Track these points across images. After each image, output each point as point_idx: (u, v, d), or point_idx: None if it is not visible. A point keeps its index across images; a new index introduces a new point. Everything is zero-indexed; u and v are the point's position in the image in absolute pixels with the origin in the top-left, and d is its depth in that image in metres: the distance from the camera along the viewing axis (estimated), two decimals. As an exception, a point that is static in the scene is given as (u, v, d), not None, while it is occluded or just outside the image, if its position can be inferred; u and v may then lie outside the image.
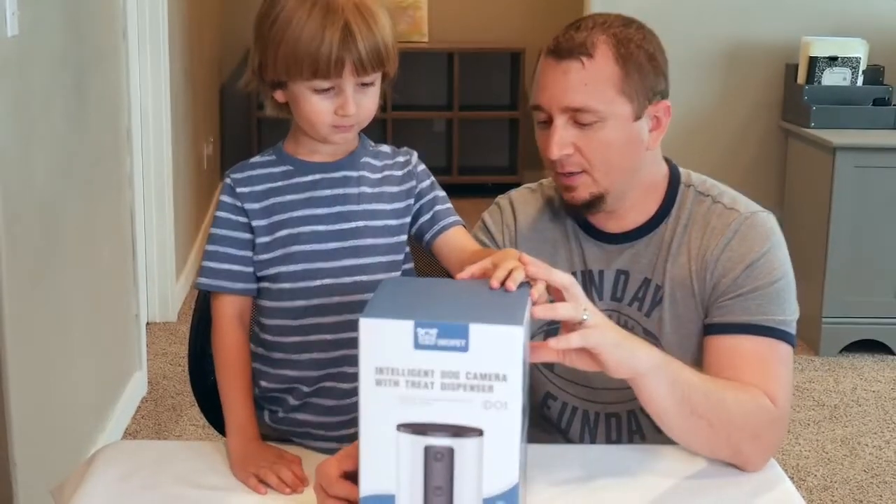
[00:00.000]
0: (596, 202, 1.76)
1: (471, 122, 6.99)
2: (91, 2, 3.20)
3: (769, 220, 1.77)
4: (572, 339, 1.43)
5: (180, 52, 4.82)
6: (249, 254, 1.64)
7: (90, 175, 3.14)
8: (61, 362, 2.81)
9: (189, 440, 3.37)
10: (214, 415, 2.04)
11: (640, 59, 1.72)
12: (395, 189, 1.67)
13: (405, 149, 1.73)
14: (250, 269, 1.64)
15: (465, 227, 1.71)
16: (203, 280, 1.65)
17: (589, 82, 1.70)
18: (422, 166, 1.71)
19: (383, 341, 1.26)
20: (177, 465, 1.60)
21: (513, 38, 6.95)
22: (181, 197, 4.79)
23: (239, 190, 1.63)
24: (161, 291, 4.49)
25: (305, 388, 1.65)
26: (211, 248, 1.64)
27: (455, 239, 1.68)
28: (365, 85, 1.57)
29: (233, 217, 1.63)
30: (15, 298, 2.39)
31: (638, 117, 1.74)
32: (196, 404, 2.05)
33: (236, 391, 1.63)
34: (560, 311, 1.44)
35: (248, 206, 1.63)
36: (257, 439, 1.62)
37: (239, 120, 6.66)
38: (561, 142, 1.71)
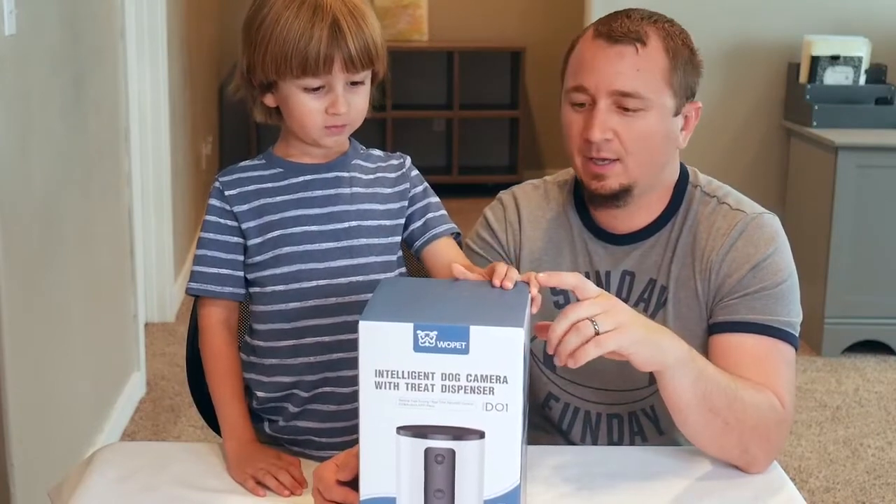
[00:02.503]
0: (623, 193, 1.74)
1: (471, 122, 6.99)
2: (89, 1, 3.19)
3: (774, 222, 1.77)
4: (589, 352, 1.41)
5: (179, 51, 4.82)
6: (239, 258, 1.63)
7: (88, 175, 3.13)
8: (59, 363, 2.80)
9: (187, 441, 3.36)
10: (213, 416, 2.03)
11: (685, 55, 1.74)
12: (388, 190, 1.66)
13: (398, 153, 1.73)
14: (239, 274, 1.63)
15: (458, 234, 1.70)
16: (193, 285, 1.64)
17: (641, 68, 1.69)
18: (415, 171, 1.71)
19: (383, 344, 1.26)
20: (175, 467, 1.59)
21: (513, 37, 6.95)
22: (179, 197, 4.79)
23: (227, 192, 1.62)
24: (159, 292, 4.48)
25: (304, 394, 1.63)
26: (200, 252, 1.64)
27: (443, 250, 1.67)
28: (355, 84, 1.57)
29: (221, 221, 1.62)
30: (13, 299, 2.38)
31: (677, 113, 1.74)
32: (194, 405, 2.04)
33: (228, 394, 1.63)
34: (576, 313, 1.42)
35: (237, 208, 1.62)
36: (254, 441, 1.61)
37: (238, 119, 6.66)
38: (603, 125, 1.70)
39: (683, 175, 1.83)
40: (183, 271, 4.79)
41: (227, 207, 1.62)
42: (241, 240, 1.62)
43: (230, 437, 1.61)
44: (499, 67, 7.02)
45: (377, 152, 1.71)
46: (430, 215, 1.68)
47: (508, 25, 7.01)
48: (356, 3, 1.55)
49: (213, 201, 1.63)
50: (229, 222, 1.62)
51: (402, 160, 1.71)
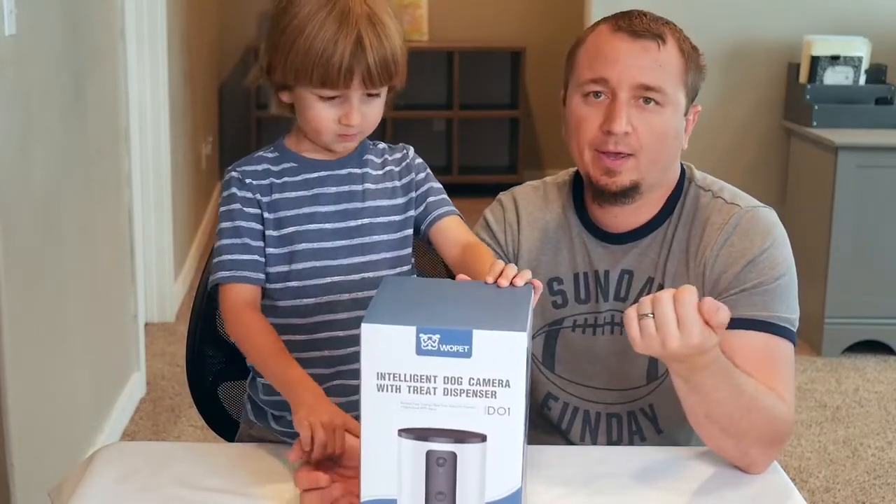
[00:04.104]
0: (631, 191, 1.74)
1: (471, 122, 6.98)
2: (89, 1, 3.19)
3: (770, 216, 1.76)
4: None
5: (179, 51, 4.81)
6: (262, 245, 1.62)
7: (88, 175, 3.13)
8: (59, 363, 2.80)
9: (187, 441, 3.36)
10: (212, 415, 2.03)
11: (696, 58, 1.76)
12: (396, 184, 1.67)
13: (401, 144, 1.74)
14: (263, 261, 1.62)
15: (460, 217, 1.70)
16: (224, 273, 1.60)
17: (663, 64, 1.71)
18: (418, 159, 1.72)
19: (385, 346, 1.26)
20: (175, 467, 1.59)
21: (513, 37, 6.94)
22: (179, 197, 4.78)
23: (249, 181, 1.62)
24: (159, 292, 4.48)
25: None
26: (228, 241, 1.61)
27: (449, 229, 1.67)
28: (371, 95, 1.57)
29: (246, 209, 1.62)
30: (13, 299, 2.38)
31: (685, 113, 1.76)
32: (194, 405, 2.04)
33: (284, 360, 1.53)
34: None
35: (259, 198, 1.62)
36: (323, 396, 1.49)
37: (238, 119, 6.65)
38: (627, 117, 1.70)
39: (681, 173, 1.83)
40: (183, 271, 4.78)
41: (250, 195, 1.62)
42: (263, 228, 1.62)
43: (302, 388, 1.49)
44: (499, 67, 7.02)
45: (382, 145, 1.71)
46: (430, 199, 1.69)
47: (508, 25, 7.01)
48: (381, 17, 1.54)
49: (234, 190, 1.62)
50: (253, 210, 1.62)
51: (405, 151, 1.71)
